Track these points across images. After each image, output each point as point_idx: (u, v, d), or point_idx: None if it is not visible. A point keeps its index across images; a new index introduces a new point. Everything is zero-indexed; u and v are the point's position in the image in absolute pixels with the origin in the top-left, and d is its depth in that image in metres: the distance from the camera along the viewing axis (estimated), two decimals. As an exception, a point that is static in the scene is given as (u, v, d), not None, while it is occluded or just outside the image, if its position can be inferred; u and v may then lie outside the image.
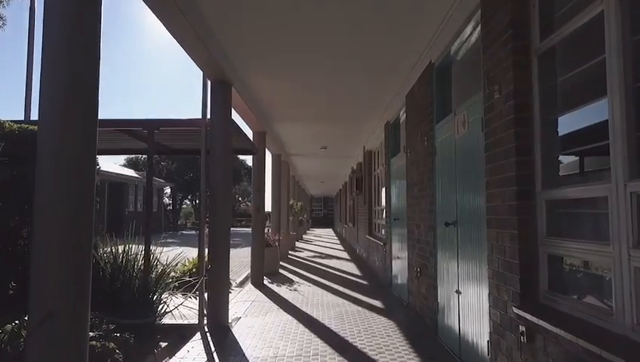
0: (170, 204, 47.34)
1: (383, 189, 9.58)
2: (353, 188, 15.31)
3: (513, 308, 2.85)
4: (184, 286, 5.79)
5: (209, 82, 5.76)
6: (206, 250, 5.76)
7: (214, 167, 5.66)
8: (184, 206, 49.23)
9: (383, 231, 9.54)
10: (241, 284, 9.07)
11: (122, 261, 5.14)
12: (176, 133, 6.53)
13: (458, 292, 4.17)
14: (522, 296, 2.81)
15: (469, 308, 3.90)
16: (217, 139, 5.71)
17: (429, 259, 5.23)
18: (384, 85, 6.72)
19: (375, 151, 11.61)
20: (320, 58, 5.65)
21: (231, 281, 9.05)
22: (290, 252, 15.39)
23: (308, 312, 6.33)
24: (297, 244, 19.13)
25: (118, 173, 26.54)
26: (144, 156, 47.11)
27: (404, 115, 6.77)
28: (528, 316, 2.64)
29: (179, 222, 41.83)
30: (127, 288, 5.01)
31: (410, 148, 6.25)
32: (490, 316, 3.32)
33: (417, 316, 5.82)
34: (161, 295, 5.28)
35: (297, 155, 15.01)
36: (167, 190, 44.85)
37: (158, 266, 5.46)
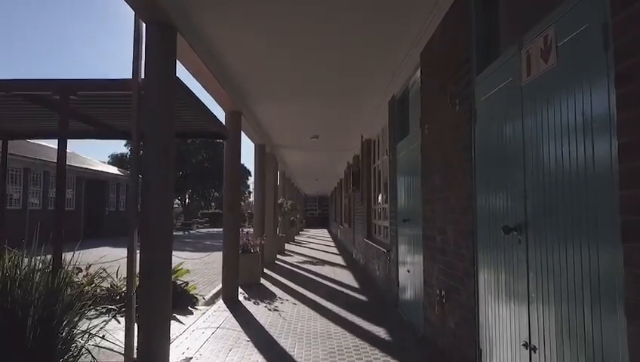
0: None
1: (386, 184, 7.89)
2: (349, 185, 13.56)
3: None
4: (115, 313, 4.07)
5: (143, 26, 4.02)
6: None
7: (147, 150, 3.89)
8: (175, 206, 47.43)
9: (386, 234, 7.82)
10: (212, 301, 7.30)
11: (9, 281, 3.44)
12: (106, 104, 4.78)
13: (530, 347, 2.44)
14: None
15: (556, 380, 2.18)
16: (153, 109, 3.92)
17: (463, 280, 3.51)
18: (391, 44, 4.96)
19: (375, 140, 9.88)
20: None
21: (198, 297, 7.31)
22: (278, 256, 13.64)
23: (287, 349, 4.59)
24: (288, 247, 17.35)
25: (96, 170, 24.67)
26: (129, 153, 45.11)
27: (419, 80, 5.04)
28: None
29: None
30: (18, 321, 3.31)
31: (428, 123, 4.52)
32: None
33: (440, 357, 4.10)
34: (73, 329, 3.57)
35: (286, 147, 13.20)
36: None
37: (71, 286, 3.74)
